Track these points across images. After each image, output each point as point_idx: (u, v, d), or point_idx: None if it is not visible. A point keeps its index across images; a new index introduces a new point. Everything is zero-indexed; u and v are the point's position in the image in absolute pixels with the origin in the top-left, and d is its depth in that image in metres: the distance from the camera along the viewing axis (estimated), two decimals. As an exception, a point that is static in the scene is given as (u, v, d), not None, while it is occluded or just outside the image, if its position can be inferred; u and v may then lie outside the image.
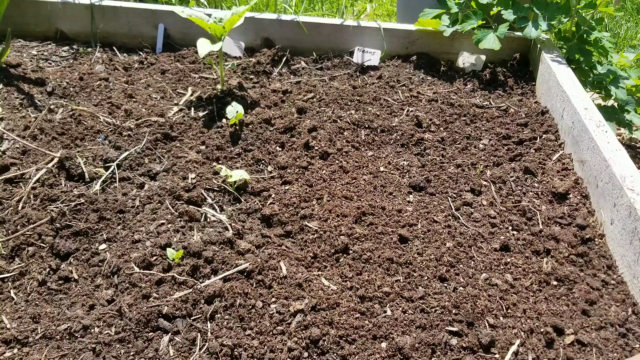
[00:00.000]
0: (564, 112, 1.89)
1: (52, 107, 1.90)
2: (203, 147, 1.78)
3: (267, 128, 1.88)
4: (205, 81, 2.15)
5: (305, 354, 1.15)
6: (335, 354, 1.16)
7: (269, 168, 1.72)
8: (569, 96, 1.85)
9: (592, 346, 1.21)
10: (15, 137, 1.69)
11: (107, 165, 1.65)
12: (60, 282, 1.30)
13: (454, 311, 1.26)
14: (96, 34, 2.39)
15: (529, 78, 2.28)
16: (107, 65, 2.22)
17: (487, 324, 1.25)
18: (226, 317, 1.22)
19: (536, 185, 1.69)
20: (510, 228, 1.54)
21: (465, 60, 2.35)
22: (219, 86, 2.08)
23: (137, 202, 1.54)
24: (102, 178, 1.60)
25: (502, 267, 1.41)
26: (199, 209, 1.52)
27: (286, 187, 1.64)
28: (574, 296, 1.34)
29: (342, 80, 2.24)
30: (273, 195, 1.59)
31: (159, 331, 1.19)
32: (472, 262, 1.41)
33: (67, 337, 1.17)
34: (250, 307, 1.24)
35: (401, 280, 1.34)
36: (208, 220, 1.49)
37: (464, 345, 1.19)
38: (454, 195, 1.65)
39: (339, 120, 1.94)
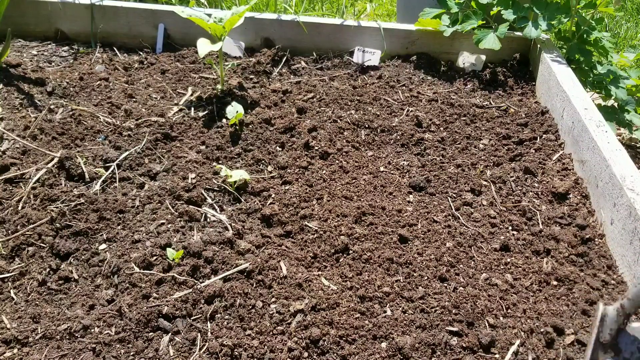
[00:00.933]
0: (564, 112, 1.89)
1: (52, 107, 1.90)
2: (203, 147, 1.78)
3: (267, 128, 1.88)
4: (205, 81, 2.15)
5: (305, 354, 1.15)
6: (335, 354, 1.16)
7: (269, 168, 1.72)
8: (569, 96, 1.85)
9: (592, 346, 1.21)
10: (15, 137, 1.69)
11: (107, 165, 1.65)
12: (60, 282, 1.30)
13: (454, 311, 1.26)
14: (96, 34, 2.39)
15: (529, 78, 2.28)
16: (107, 65, 2.22)
17: (487, 324, 1.25)
18: (226, 317, 1.22)
19: (536, 185, 1.69)
20: (510, 228, 1.54)
21: (465, 60, 2.35)
22: (219, 86, 2.08)
23: (137, 202, 1.54)
24: (102, 178, 1.59)
25: (502, 267, 1.41)
26: (199, 209, 1.52)
27: (286, 187, 1.64)
28: (574, 296, 1.34)
29: (342, 80, 2.24)
30: (273, 195, 1.59)
31: (159, 331, 1.19)
32: (472, 262, 1.41)
33: (67, 337, 1.17)
34: (250, 307, 1.24)
35: (401, 280, 1.34)
36: (208, 220, 1.49)
37: (464, 345, 1.19)
38: (454, 195, 1.65)
39: (339, 120, 1.94)
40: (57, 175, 1.59)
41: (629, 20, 3.77)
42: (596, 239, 1.50)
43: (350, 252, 1.41)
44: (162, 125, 1.84)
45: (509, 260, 1.43)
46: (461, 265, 1.40)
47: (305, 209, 1.53)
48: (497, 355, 1.18)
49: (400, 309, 1.26)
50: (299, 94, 2.11)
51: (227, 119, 1.91)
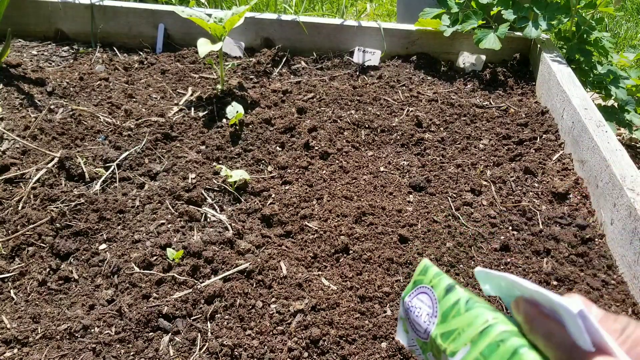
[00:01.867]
0: (564, 112, 1.89)
1: (52, 107, 1.90)
2: (203, 147, 1.78)
3: (267, 128, 1.88)
4: (205, 81, 2.15)
5: (305, 354, 1.15)
6: (335, 354, 1.16)
7: (269, 168, 1.72)
8: (569, 96, 1.85)
9: (592, 346, 1.21)
10: (15, 137, 1.69)
11: (107, 165, 1.65)
12: (60, 282, 1.30)
13: (454, 311, 1.26)
14: (96, 34, 2.39)
15: (529, 78, 2.28)
16: (107, 65, 2.22)
17: (487, 324, 1.24)
18: (226, 317, 1.22)
19: (536, 185, 1.69)
20: (510, 228, 1.54)
21: (466, 60, 2.35)
22: (219, 86, 2.08)
23: (137, 202, 1.54)
24: (102, 178, 1.59)
25: (502, 267, 1.41)
26: (199, 209, 1.52)
27: (286, 187, 1.63)
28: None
29: (342, 80, 2.24)
30: (273, 195, 1.59)
31: (159, 331, 1.19)
32: (472, 262, 1.41)
33: (67, 337, 1.17)
34: (250, 307, 1.24)
35: (401, 280, 1.34)
36: (208, 220, 1.49)
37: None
38: (454, 195, 1.65)
39: (339, 120, 1.94)
40: (57, 175, 1.59)
41: (629, 20, 3.77)
42: (596, 239, 1.50)
43: (350, 252, 1.41)
44: (162, 125, 1.84)
45: (509, 260, 1.43)
46: (461, 265, 1.40)
47: (305, 209, 1.53)
48: (497, 355, 1.18)
49: (400, 309, 1.26)
50: (299, 94, 2.11)
51: (227, 119, 1.91)
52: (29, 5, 2.36)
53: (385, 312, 1.26)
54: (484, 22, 2.27)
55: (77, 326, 1.18)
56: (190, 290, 1.27)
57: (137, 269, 1.31)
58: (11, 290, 1.28)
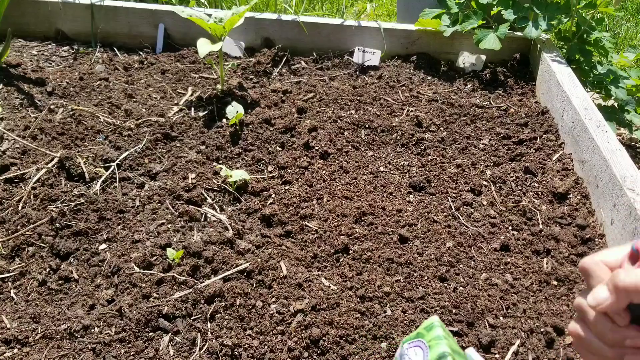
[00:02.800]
0: (564, 112, 1.89)
1: (52, 107, 1.90)
2: (203, 147, 1.78)
3: (267, 128, 1.88)
4: (205, 81, 2.15)
5: (305, 354, 1.15)
6: (335, 354, 1.16)
7: (269, 168, 1.72)
8: (569, 96, 1.85)
9: (592, 346, 1.21)
10: (15, 137, 1.69)
11: (107, 165, 1.65)
12: (60, 282, 1.30)
13: (454, 311, 1.26)
14: (96, 34, 2.39)
15: (529, 78, 2.28)
16: (107, 65, 2.22)
17: (487, 324, 1.25)
18: (226, 317, 1.22)
19: (536, 185, 1.69)
20: (510, 228, 1.54)
21: (466, 60, 2.35)
22: (219, 86, 2.08)
23: (137, 202, 1.54)
24: (102, 178, 1.60)
25: (502, 267, 1.41)
26: (199, 209, 1.52)
27: (286, 187, 1.63)
28: (575, 296, 1.34)
29: (342, 80, 2.24)
30: (273, 195, 1.59)
31: (159, 331, 1.19)
32: (472, 262, 1.41)
33: (67, 337, 1.17)
34: (251, 307, 1.24)
35: (401, 280, 1.34)
36: (208, 220, 1.49)
37: (464, 345, 1.19)
38: (454, 195, 1.65)
39: (339, 120, 1.94)
40: (57, 175, 1.59)
41: (629, 20, 3.77)
42: (596, 239, 1.50)
43: (351, 252, 1.41)
44: (162, 125, 1.84)
45: (509, 260, 1.43)
46: (461, 265, 1.40)
47: (305, 209, 1.53)
48: (497, 355, 1.18)
49: (401, 309, 1.26)
50: (299, 94, 2.11)
51: (227, 119, 1.91)
52: (28, 5, 2.36)
53: (385, 312, 1.26)
54: (484, 22, 2.27)
55: (77, 326, 1.18)
56: (190, 290, 1.27)
57: (137, 269, 1.31)
58: (11, 290, 1.28)
